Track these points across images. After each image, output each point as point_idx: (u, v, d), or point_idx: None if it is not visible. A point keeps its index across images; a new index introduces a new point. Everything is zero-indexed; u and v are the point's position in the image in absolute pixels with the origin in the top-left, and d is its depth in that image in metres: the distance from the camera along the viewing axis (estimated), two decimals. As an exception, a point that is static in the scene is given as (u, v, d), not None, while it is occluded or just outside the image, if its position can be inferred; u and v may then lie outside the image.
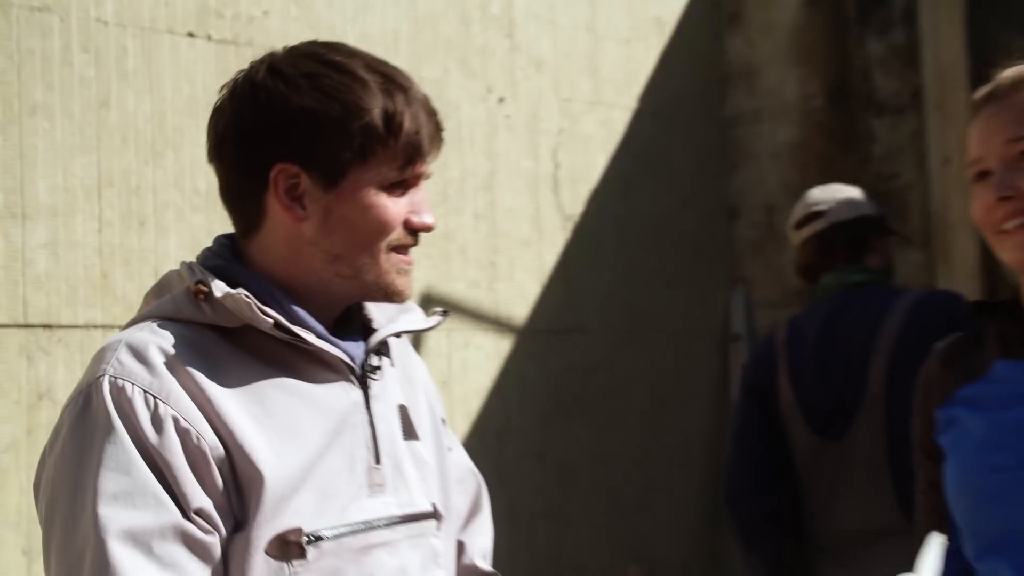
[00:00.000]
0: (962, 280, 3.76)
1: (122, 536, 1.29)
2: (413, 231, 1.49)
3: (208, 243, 2.95)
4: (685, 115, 4.31)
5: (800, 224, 3.15)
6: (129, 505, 1.29)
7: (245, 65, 2.83)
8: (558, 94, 3.86)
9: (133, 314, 2.83)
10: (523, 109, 3.77)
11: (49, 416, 2.70)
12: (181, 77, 2.96)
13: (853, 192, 3.16)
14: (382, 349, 1.56)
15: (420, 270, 3.40)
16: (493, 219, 3.66)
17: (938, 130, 3.91)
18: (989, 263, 3.72)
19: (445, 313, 1.64)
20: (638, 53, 4.15)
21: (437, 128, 1.49)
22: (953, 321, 2.80)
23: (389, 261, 1.47)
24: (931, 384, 1.95)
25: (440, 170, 3.43)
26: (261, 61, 1.48)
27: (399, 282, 1.49)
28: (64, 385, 2.72)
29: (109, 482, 1.30)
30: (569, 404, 3.82)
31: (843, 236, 3.07)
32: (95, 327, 2.78)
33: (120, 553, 1.28)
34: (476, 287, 3.57)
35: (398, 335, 1.60)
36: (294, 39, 3.06)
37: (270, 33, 3.13)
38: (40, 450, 2.78)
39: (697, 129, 4.35)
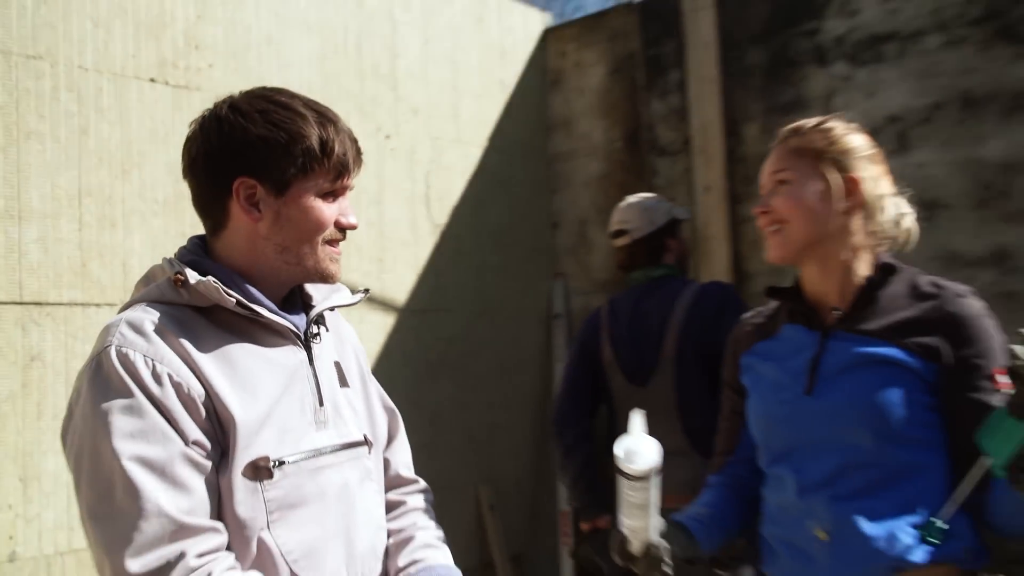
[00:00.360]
0: (718, 275, 3.77)
1: (141, 463, 1.29)
2: (342, 229, 1.51)
3: (165, 242, 3.00)
4: (521, 152, 4.33)
5: (614, 236, 3.15)
6: (143, 440, 1.30)
7: (194, 104, 2.92)
8: (429, 134, 3.87)
9: (107, 296, 2.87)
10: (404, 144, 3.77)
11: (39, 374, 2.67)
12: (144, 113, 2.93)
13: (652, 206, 3.13)
14: (319, 320, 1.57)
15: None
16: (381, 226, 3.66)
17: (702, 168, 3.93)
18: (736, 263, 3.82)
19: (366, 291, 1.66)
20: (487, 105, 4.18)
21: (358, 152, 1.51)
22: (722, 304, 2.95)
23: (324, 251, 1.49)
24: (739, 340, 1.97)
25: (344, 188, 3.48)
26: (223, 101, 1.48)
27: (331, 268, 1.51)
28: (51, 350, 2.68)
29: (125, 424, 1.30)
30: (437, 365, 3.83)
31: (643, 247, 3.08)
32: (76, 304, 2.73)
33: (142, 476, 1.28)
34: (368, 276, 3.55)
35: (332, 309, 1.61)
36: (232, 87, 3.12)
37: (214, 81, 3.10)
38: (32, 401, 2.78)
39: (529, 162, 4.38)
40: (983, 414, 1.52)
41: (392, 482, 1.69)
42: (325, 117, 1.47)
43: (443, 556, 1.62)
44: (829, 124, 1.79)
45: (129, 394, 1.30)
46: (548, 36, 4.49)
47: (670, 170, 4.07)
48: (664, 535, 1.67)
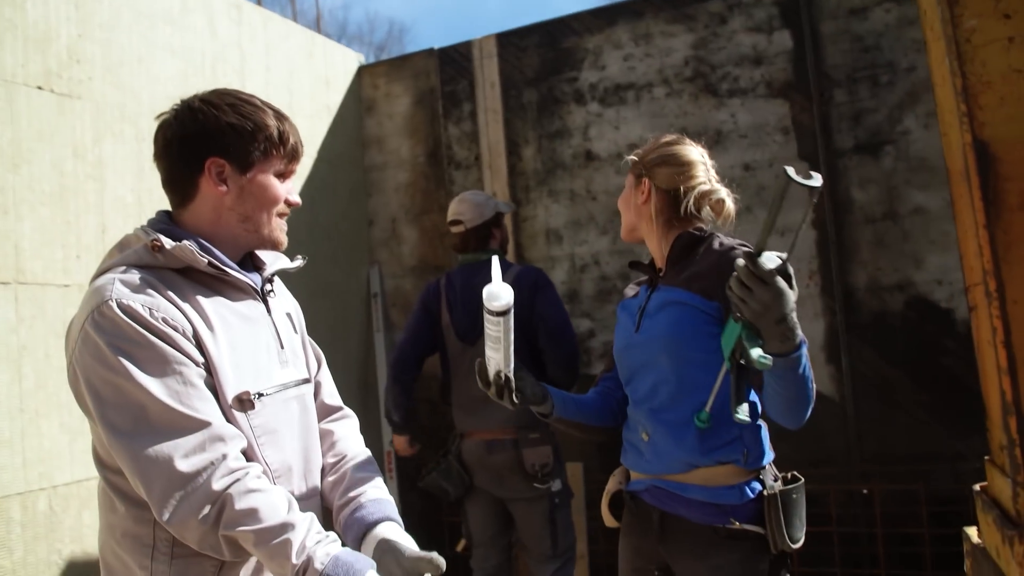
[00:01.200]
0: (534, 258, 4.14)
1: (167, 386, 1.27)
2: (289, 205, 1.51)
3: (52, 228, 2.92)
4: (344, 164, 4.37)
5: (450, 225, 3.19)
6: (164, 367, 1.28)
7: (76, 110, 2.91)
8: None
9: (1, 275, 2.74)
10: None
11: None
12: (32, 115, 2.78)
13: (481, 201, 3.17)
14: (271, 279, 1.55)
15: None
16: None
17: (490, 179, 4.12)
18: (518, 251, 3.97)
19: (304, 259, 1.64)
20: (317, 124, 4.21)
21: (301, 142, 1.52)
22: (534, 285, 3.02)
23: (275, 223, 1.50)
24: (620, 306, 2.05)
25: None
26: (193, 97, 1.47)
27: (281, 236, 1.52)
28: None
29: (142, 358, 1.28)
30: None
31: (474, 235, 3.14)
32: None
33: (172, 396, 1.27)
34: None
35: (278, 272, 1.58)
36: (110, 96, 3.07)
37: (94, 92, 2.99)
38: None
39: (351, 172, 4.43)
40: None
41: (320, 409, 1.66)
42: (280, 114, 1.49)
43: (376, 490, 1.55)
44: (647, 146, 1.97)
45: (137, 334, 1.28)
46: (363, 71, 4.54)
47: (464, 180, 4.24)
48: (519, 375, 1.75)
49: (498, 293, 1.52)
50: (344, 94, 4.44)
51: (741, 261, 1.47)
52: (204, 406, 1.30)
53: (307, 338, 1.69)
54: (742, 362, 1.55)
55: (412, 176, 4.41)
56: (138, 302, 1.31)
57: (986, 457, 1.31)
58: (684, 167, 1.90)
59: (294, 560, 1.27)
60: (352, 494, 1.53)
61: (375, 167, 4.50)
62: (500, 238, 3.23)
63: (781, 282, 1.46)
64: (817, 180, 1.36)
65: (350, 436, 1.67)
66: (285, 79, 4.04)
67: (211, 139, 1.42)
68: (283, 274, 1.62)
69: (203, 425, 1.28)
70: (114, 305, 1.29)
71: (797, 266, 3.54)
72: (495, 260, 1.59)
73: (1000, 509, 1.18)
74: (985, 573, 1.19)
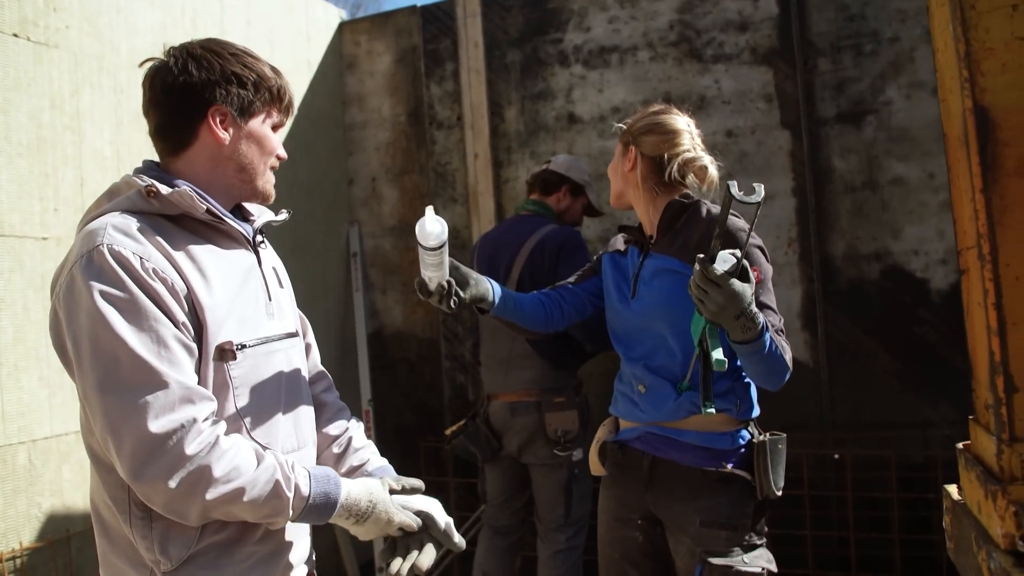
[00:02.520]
0: (485, 223, 4.00)
1: (143, 342, 1.25)
2: (278, 159, 1.52)
3: (29, 180, 2.86)
4: (325, 122, 4.32)
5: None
6: (142, 322, 1.26)
7: (53, 59, 2.86)
8: None
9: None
10: None
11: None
12: (9, 64, 2.72)
13: (582, 167, 3.13)
14: (261, 231, 1.55)
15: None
16: None
17: (472, 139, 4.10)
18: (499, 213, 4.01)
19: (290, 212, 1.65)
20: (297, 81, 4.14)
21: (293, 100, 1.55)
22: (561, 247, 2.95)
23: (268, 174, 1.51)
24: (609, 245, 2.14)
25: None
26: (189, 42, 1.47)
27: (271, 188, 1.53)
28: None
29: (124, 309, 1.26)
30: None
31: (546, 179, 3.12)
32: None
33: (146, 353, 1.25)
34: None
35: (268, 224, 1.58)
36: (88, 46, 3.00)
37: (71, 41, 2.92)
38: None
39: (331, 130, 4.38)
40: None
41: (313, 375, 1.69)
42: (276, 70, 1.52)
43: (379, 458, 1.63)
44: (635, 115, 2.04)
45: (123, 284, 1.26)
46: (344, 27, 4.47)
47: (446, 140, 4.22)
48: (458, 280, 1.84)
49: (430, 232, 1.60)
50: (325, 50, 4.38)
51: (696, 264, 1.56)
52: (178, 367, 1.29)
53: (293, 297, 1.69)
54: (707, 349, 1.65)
55: (393, 135, 4.38)
56: (130, 250, 1.29)
57: (970, 417, 1.36)
58: (670, 135, 1.96)
59: (288, 494, 1.32)
60: (355, 461, 1.60)
61: (356, 125, 4.46)
62: (568, 207, 3.14)
63: (735, 284, 1.54)
64: (759, 195, 1.44)
65: (344, 407, 1.71)
66: (266, 33, 3.97)
67: (216, 86, 1.42)
68: (266, 229, 1.60)
69: (176, 385, 1.27)
70: (105, 251, 1.28)
71: (776, 233, 3.58)
72: (429, 209, 1.68)
73: (983, 466, 1.23)
74: (965, 528, 1.25)
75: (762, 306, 1.85)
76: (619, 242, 2.13)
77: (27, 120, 2.81)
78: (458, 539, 1.50)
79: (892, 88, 3.42)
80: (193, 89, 1.41)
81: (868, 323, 3.46)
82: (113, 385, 1.24)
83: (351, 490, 1.40)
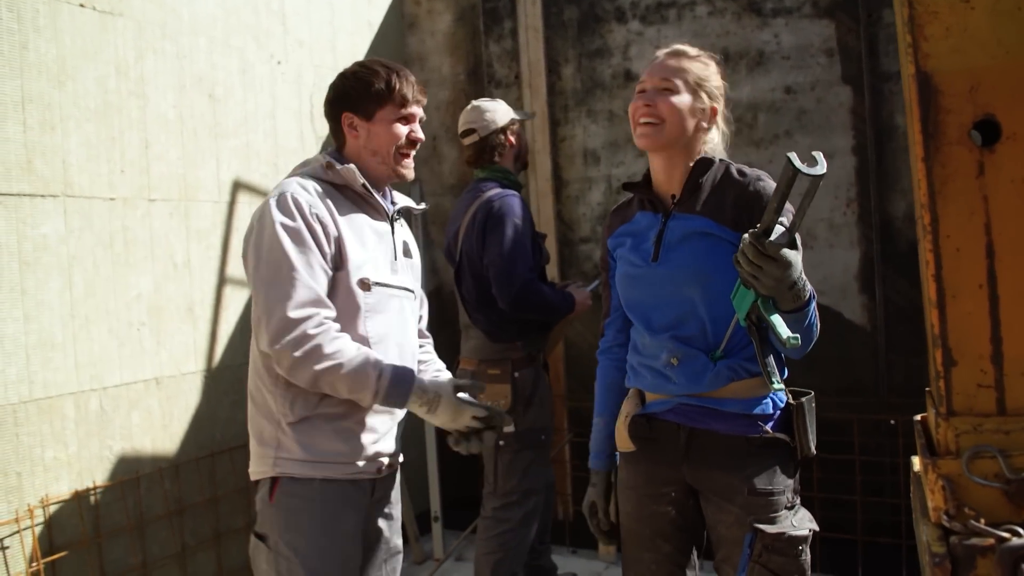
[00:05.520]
0: (543, 183, 4.05)
1: (298, 256, 1.77)
2: (412, 142, 1.97)
3: (97, 144, 3.07)
4: None
5: (463, 136, 3.12)
6: (301, 243, 1.78)
7: (118, 27, 3.11)
8: (312, 62, 3.89)
9: (50, 188, 2.94)
10: (292, 69, 3.79)
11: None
12: (76, 33, 2.86)
13: (493, 107, 3.09)
14: (400, 211, 2.04)
15: (231, 167, 3.44)
16: (275, 136, 3.69)
17: (529, 98, 4.11)
18: (556, 172, 4.02)
19: (426, 207, 2.38)
20: (358, 40, 4.20)
21: (421, 90, 1.98)
22: (485, 223, 2.90)
23: (398, 158, 1.96)
24: (607, 228, 2.06)
25: (242, 103, 3.49)
26: (341, 71, 2.02)
27: (403, 170, 1.98)
28: (3, 232, 2.64)
29: (292, 231, 1.78)
30: None
31: (483, 146, 3.06)
32: (24, 195, 2.71)
33: (299, 264, 1.76)
34: (265, 177, 3.59)
35: (407, 209, 2.07)
36: (151, 14, 3.12)
37: (134, 9, 3.05)
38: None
39: None
40: None
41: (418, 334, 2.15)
42: (391, 69, 1.94)
43: (444, 371, 2.18)
44: (707, 60, 1.91)
45: (296, 217, 1.79)
46: None
47: (505, 98, 4.03)
48: None
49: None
50: (386, 11, 4.41)
51: (748, 238, 1.51)
52: (317, 280, 1.78)
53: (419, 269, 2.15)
54: (758, 323, 1.63)
55: (453, 94, 4.41)
56: (304, 199, 1.82)
57: (926, 388, 1.35)
58: (722, 90, 1.95)
59: (373, 372, 1.78)
60: (434, 372, 2.16)
61: (417, 85, 4.50)
62: (507, 152, 3.07)
63: (789, 253, 1.50)
64: (822, 167, 1.38)
65: (431, 352, 2.25)
66: (327, -6, 4.03)
67: (341, 100, 1.96)
68: (405, 212, 2.11)
69: (311, 290, 1.76)
70: (288, 196, 1.82)
71: (835, 193, 3.48)
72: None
73: (928, 438, 1.22)
74: (918, 499, 1.25)
75: None
76: (616, 216, 2.05)
77: (94, 86, 2.99)
78: (509, 418, 2.13)
79: (961, 39, 3.24)
80: (331, 105, 2.00)
81: (928, 287, 3.33)
82: (274, 279, 1.76)
83: (423, 381, 1.87)
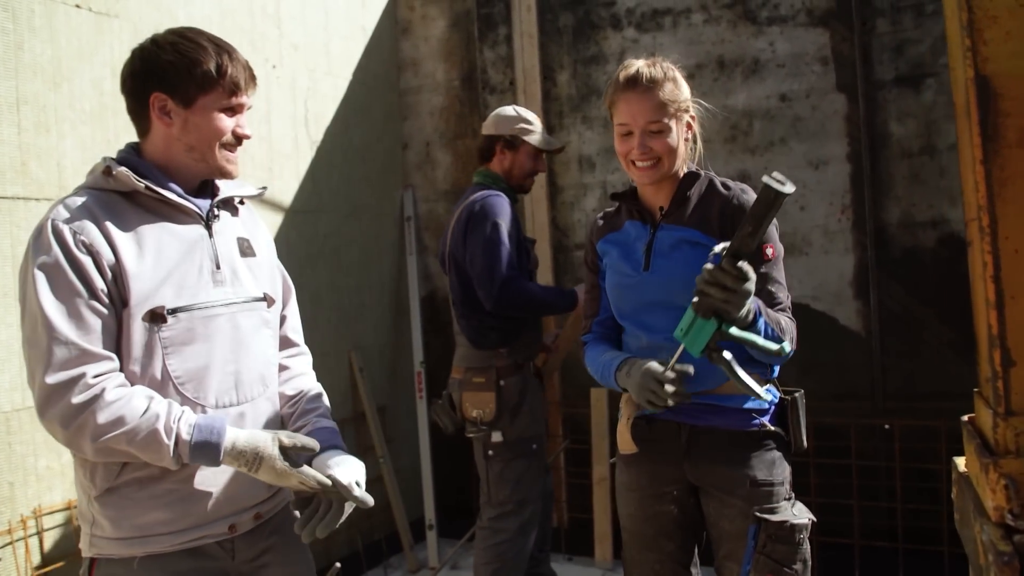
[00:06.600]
0: (537, 187, 3.66)
1: (55, 306, 1.42)
2: (238, 138, 1.61)
3: (92, 146, 3.01)
4: (379, 86, 4.35)
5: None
6: (58, 290, 1.43)
7: (114, 29, 2.97)
8: (307, 66, 3.86)
9: (45, 191, 2.91)
10: (287, 74, 3.76)
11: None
12: (71, 33, 2.82)
13: (509, 115, 2.99)
14: (222, 205, 1.67)
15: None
16: (270, 141, 3.65)
17: (523, 104, 3.96)
18: (551, 179, 3.96)
19: (264, 189, 1.80)
20: (352, 45, 4.17)
21: (251, 77, 1.62)
22: (467, 223, 2.83)
23: (222, 154, 1.59)
24: (594, 232, 2.08)
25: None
26: (155, 33, 1.60)
27: (228, 167, 1.61)
28: None
29: (48, 277, 1.43)
30: (316, 255, 3.86)
31: (480, 146, 3.01)
32: (19, 199, 2.66)
33: (55, 316, 1.41)
34: (259, 182, 3.36)
35: (234, 199, 1.72)
36: (147, 16, 3.08)
37: (130, 11, 3.00)
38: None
39: (386, 95, 4.41)
40: (761, 280, 1.77)
41: (282, 342, 1.80)
42: (222, 48, 1.57)
43: (323, 419, 1.72)
44: (672, 74, 1.91)
45: (55, 257, 1.43)
46: None
47: (499, 105, 4.06)
48: None
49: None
50: (380, 16, 4.38)
51: (710, 266, 1.56)
52: (82, 331, 1.43)
53: (281, 268, 1.82)
54: (718, 351, 1.65)
55: (447, 100, 4.38)
56: (67, 228, 1.45)
57: (975, 389, 1.36)
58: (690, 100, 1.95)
59: (167, 442, 1.43)
60: (301, 422, 1.71)
61: (410, 90, 4.48)
62: (512, 162, 2.98)
63: (750, 269, 1.57)
64: (791, 187, 1.44)
65: (306, 372, 1.83)
66: (321, -1, 4.01)
67: (152, 76, 1.54)
68: (248, 201, 1.78)
69: (72, 347, 1.42)
70: (49, 226, 1.46)
71: (830, 199, 3.51)
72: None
73: (982, 438, 1.23)
74: (967, 500, 1.25)
75: (774, 281, 1.86)
76: (606, 222, 2.06)
77: (90, 88, 2.93)
78: (360, 494, 1.55)
79: (955, 49, 3.29)
80: (137, 80, 1.57)
81: (922, 292, 3.37)
82: (32, 339, 1.43)
83: (237, 441, 1.49)
